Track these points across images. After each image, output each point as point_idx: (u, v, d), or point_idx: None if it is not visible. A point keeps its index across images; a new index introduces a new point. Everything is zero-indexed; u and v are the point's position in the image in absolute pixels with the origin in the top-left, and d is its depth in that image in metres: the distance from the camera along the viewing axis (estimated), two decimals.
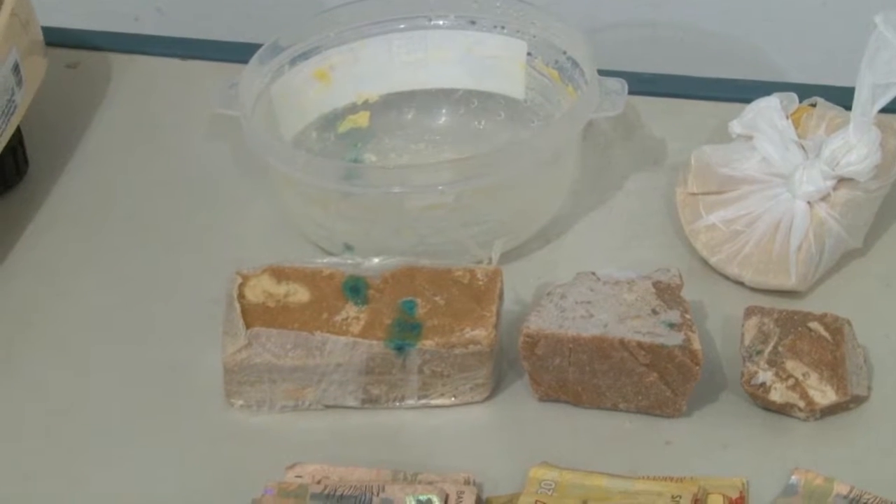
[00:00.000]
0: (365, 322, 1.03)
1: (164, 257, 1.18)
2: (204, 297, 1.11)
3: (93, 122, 1.31)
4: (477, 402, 1.05)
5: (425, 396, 1.04)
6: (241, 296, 1.04)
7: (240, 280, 1.05)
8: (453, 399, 1.04)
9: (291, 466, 0.99)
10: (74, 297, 1.15)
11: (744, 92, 1.20)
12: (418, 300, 1.04)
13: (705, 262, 1.13)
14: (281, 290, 1.05)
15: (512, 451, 1.02)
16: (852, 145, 1.09)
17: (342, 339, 1.02)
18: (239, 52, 1.24)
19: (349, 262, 1.06)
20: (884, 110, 1.09)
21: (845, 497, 0.96)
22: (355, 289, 1.04)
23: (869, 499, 0.96)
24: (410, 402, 1.04)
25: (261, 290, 1.05)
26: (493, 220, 1.13)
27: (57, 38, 1.33)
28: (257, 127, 1.15)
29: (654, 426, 1.03)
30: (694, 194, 1.14)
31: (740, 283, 1.11)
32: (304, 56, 1.22)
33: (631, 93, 1.19)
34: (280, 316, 1.03)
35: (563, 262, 1.14)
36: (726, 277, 1.12)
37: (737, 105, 1.18)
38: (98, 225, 1.21)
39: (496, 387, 1.05)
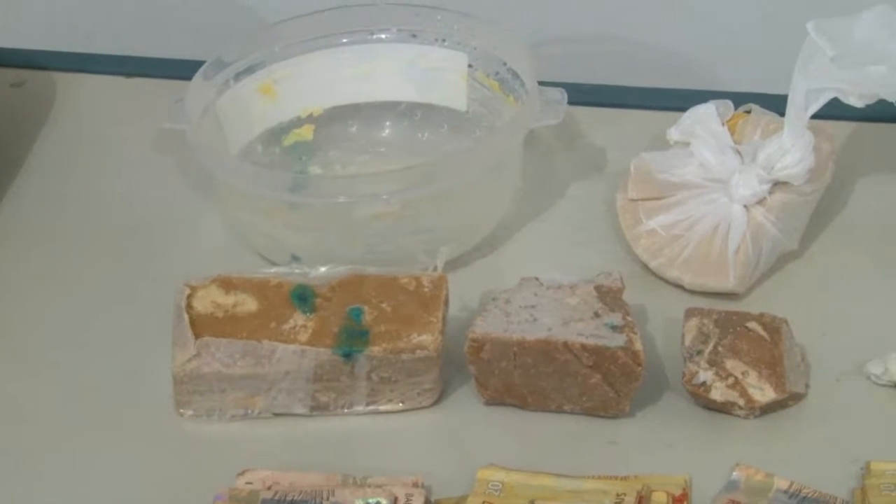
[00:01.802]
0: (313, 330, 1.04)
1: (114, 271, 1.19)
2: (154, 308, 1.11)
3: (39, 139, 1.32)
4: (425, 407, 1.06)
5: (374, 402, 1.06)
6: (189, 307, 1.05)
7: (188, 291, 1.06)
8: (401, 404, 1.06)
9: (242, 473, 1.00)
10: (24, 310, 1.16)
11: (681, 100, 1.22)
12: (365, 307, 1.05)
13: (646, 267, 1.15)
14: (229, 300, 1.06)
15: (460, 454, 1.03)
16: (787, 149, 1.12)
17: (290, 347, 1.03)
18: (183, 69, 1.25)
19: (296, 271, 1.08)
20: (817, 115, 1.12)
21: (785, 492, 0.98)
22: (303, 297, 1.06)
23: (808, 493, 0.98)
24: (359, 408, 1.06)
25: (209, 300, 1.06)
26: (438, 229, 1.15)
27: (1, 58, 1.34)
28: (204, 141, 1.17)
29: (598, 427, 1.04)
30: (634, 200, 1.16)
31: (680, 286, 1.14)
32: (249, 71, 1.23)
33: (572, 103, 1.21)
34: (228, 326, 1.05)
35: (508, 269, 1.16)
36: (667, 281, 1.14)
37: (675, 113, 1.20)
38: (47, 240, 1.22)
39: (443, 392, 1.07)
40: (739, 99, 1.20)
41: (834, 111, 1.13)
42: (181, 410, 1.06)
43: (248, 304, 1.06)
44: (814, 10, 1.12)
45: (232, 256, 1.18)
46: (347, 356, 1.03)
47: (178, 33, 1.44)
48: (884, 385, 1.05)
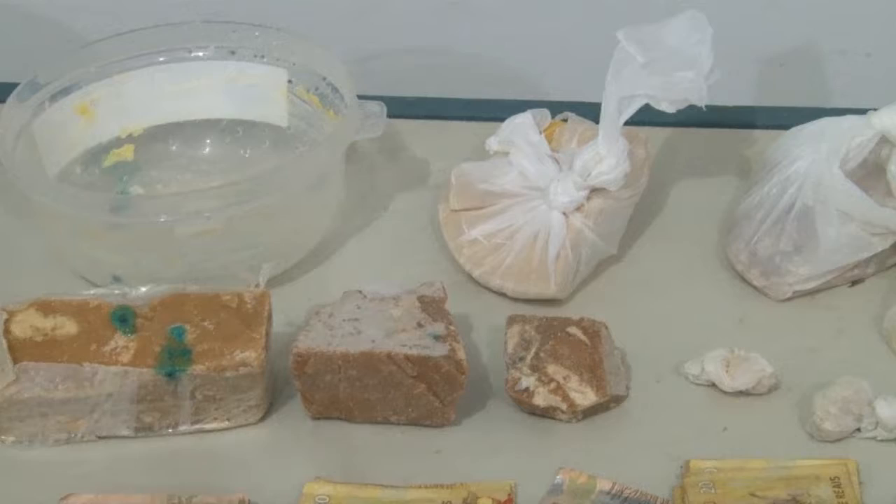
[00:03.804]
0: (134, 351, 1.04)
1: None
2: None
3: None
4: (251, 424, 1.06)
5: (199, 421, 1.05)
6: (7, 332, 1.04)
7: (5, 316, 1.05)
8: (227, 422, 1.06)
9: (65, 498, 0.99)
10: None
11: (500, 110, 1.23)
12: (187, 326, 1.05)
13: (470, 276, 1.16)
14: (48, 323, 1.05)
15: (287, 469, 1.03)
16: (602, 156, 1.13)
17: (112, 368, 1.02)
18: None
19: (116, 292, 1.07)
20: (632, 122, 1.14)
21: (608, 493, 1.00)
22: (123, 318, 1.05)
23: (630, 493, 1.00)
24: (184, 427, 1.05)
25: (28, 324, 1.05)
26: (261, 245, 1.15)
27: None
28: (20, 164, 1.15)
29: (425, 436, 1.05)
30: (456, 211, 1.17)
31: (504, 294, 1.15)
32: (65, 92, 1.22)
33: (394, 116, 1.22)
34: (48, 349, 1.03)
35: (334, 283, 1.16)
36: (490, 289, 1.15)
37: (495, 124, 1.22)
38: None
39: (270, 408, 1.07)
40: (557, 108, 1.22)
41: (648, 117, 1.15)
42: (2, 437, 1.04)
43: (68, 326, 1.05)
44: (629, 18, 1.14)
45: (51, 279, 1.16)
46: (170, 376, 1.03)
47: None
48: (701, 384, 1.07)
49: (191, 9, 1.30)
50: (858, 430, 1.03)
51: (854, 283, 1.16)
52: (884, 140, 1.13)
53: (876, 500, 0.99)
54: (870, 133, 1.13)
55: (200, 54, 1.25)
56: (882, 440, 1.03)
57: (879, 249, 1.14)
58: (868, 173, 1.15)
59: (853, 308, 1.13)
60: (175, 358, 1.03)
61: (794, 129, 1.17)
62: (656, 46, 1.12)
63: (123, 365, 1.03)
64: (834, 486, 0.99)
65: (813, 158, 1.13)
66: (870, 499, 0.99)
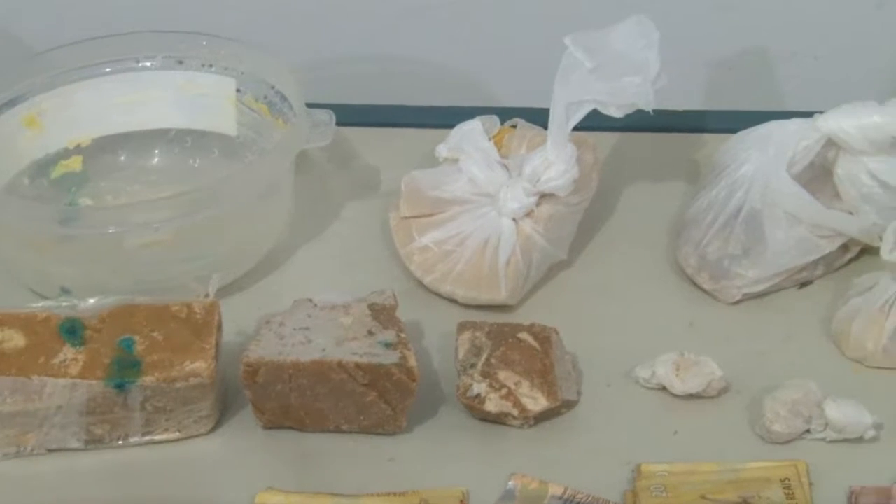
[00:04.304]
0: (84, 363, 1.03)
1: None
2: None
3: None
4: (202, 435, 1.06)
5: (149, 433, 1.05)
6: None
7: None
8: (178, 433, 1.05)
9: None
10: None
11: (450, 117, 1.23)
12: (136, 337, 1.04)
13: (420, 283, 1.16)
14: None
15: (239, 479, 1.03)
16: (551, 162, 1.14)
17: (61, 381, 1.02)
18: None
19: (64, 304, 1.06)
20: (581, 127, 1.14)
21: (560, 498, 1.00)
22: (72, 330, 1.04)
23: (582, 498, 1.00)
24: (135, 439, 1.05)
25: None
26: (211, 255, 1.15)
27: None
28: None
29: (377, 444, 1.05)
30: (406, 218, 1.17)
31: (455, 301, 1.15)
32: (12, 103, 1.21)
33: (344, 124, 1.22)
34: None
35: (285, 292, 1.16)
36: (441, 296, 1.15)
37: (445, 130, 1.22)
38: None
39: (221, 418, 1.07)
40: (506, 114, 1.23)
41: (597, 122, 1.15)
42: None
43: (16, 339, 1.04)
44: (577, 24, 1.14)
45: None
46: (120, 387, 1.02)
47: None
48: (652, 388, 1.08)
49: (138, 19, 1.29)
50: (808, 431, 1.04)
51: (803, 285, 1.16)
52: (830, 143, 1.14)
53: (826, 501, 0.99)
54: (816, 136, 1.14)
55: (148, 64, 1.25)
56: (831, 441, 1.03)
57: (827, 251, 1.15)
58: (815, 176, 1.15)
59: (802, 310, 1.14)
60: (124, 369, 1.03)
61: (741, 133, 1.18)
62: (604, 52, 1.12)
63: (72, 377, 1.02)
64: (784, 488, 0.99)
65: (760, 162, 1.14)
66: (820, 499, 0.99)
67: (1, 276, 1.17)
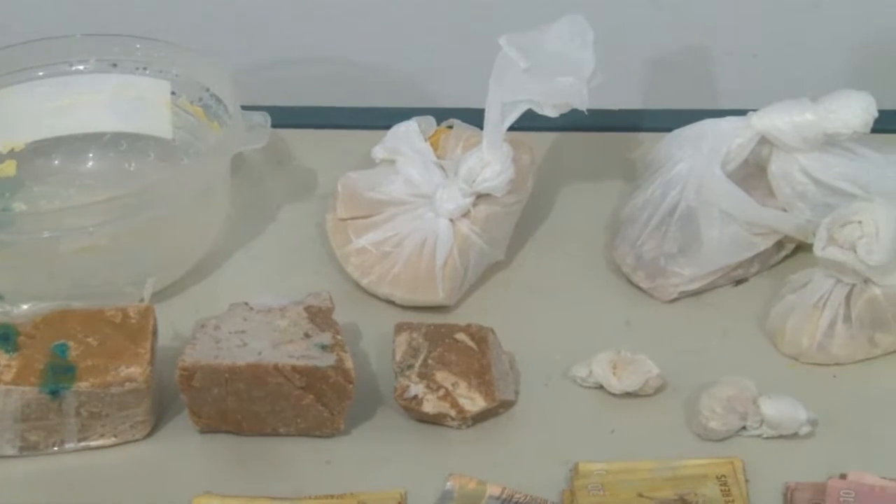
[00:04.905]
0: (17, 369, 1.02)
1: None
2: None
3: None
4: (138, 440, 1.05)
5: (85, 439, 1.04)
6: None
7: None
8: (114, 438, 1.05)
9: None
10: None
11: (387, 118, 1.23)
12: (71, 343, 1.03)
13: (357, 285, 1.16)
14: None
15: (175, 484, 1.02)
16: (486, 162, 1.14)
17: None
18: None
19: None
20: (518, 127, 1.14)
21: (497, 498, 1.00)
22: (5, 336, 1.03)
23: (520, 498, 1.00)
24: (70, 445, 1.04)
25: None
26: (147, 259, 1.14)
27: None
28: None
29: (314, 447, 1.05)
30: (343, 220, 1.17)
31: (392, 302, 1.15)
32: None
33: (281, 126, 1.22)
34: None
35: (222, 295, 1.15)
36: (379, 297, 1.15)
37: (382, 132, 1.21)
38: None
39: (157, 423, 1.06)
40: (442, 114, 1.23)
41: (533, 122, 1.15)
42: None
43: None
44: (511, 24, 1.14)
45: None
46: (54, 393, 1.02)
47: None
48: (589, 387, 1.08)
49: (71, 22, 1.28)
50: (744, 428, 1.04)
51: (738, 282, 1.17)
52: (764, 140, 1.15)
53: (762, 497, 1.00)
54: (750, 134, 1.15)
55: (81, 67, 1.24)
56: (767, 437, 1.04)
57: (762, 249, 1.15)
58: (749, 174, 1.16)
59: (737, 308, 1.15)
60: (59, 375, 1.02)
61: (676, 132, 1.18)
62: (538, 51, 1.13)
63: (6, 384, 1.01)
64: (721, 485, 1.00)
65: (695, 160, 1.15)
66: (756, 496, 1.00)
67: None
